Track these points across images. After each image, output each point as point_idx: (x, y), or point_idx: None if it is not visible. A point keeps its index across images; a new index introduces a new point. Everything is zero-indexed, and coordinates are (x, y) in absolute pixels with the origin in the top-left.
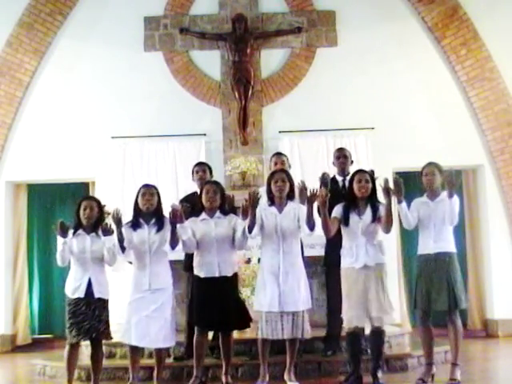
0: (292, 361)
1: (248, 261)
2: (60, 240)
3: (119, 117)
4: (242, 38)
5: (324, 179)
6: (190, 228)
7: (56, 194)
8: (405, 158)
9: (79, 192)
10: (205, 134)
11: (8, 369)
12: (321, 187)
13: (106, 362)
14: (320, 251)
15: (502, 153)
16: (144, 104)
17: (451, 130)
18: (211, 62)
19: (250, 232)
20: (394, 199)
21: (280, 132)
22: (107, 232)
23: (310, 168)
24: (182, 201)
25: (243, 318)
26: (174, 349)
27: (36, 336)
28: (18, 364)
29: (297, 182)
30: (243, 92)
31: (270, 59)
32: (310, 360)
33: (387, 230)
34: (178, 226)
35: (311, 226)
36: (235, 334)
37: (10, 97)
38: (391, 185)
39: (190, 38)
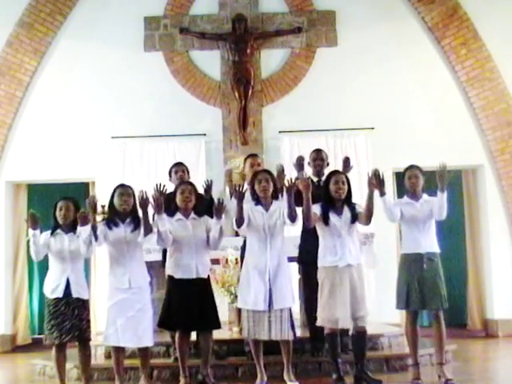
0: (289, 361)
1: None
2: (30, 232)
3: (119, 117)
4: (242, 37)
5: (299, 162)
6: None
7: (56, 193)
8: (405, 158)
9: (79, 192)
10: (205, 134)
11: (8, 369)
12: (297, 171)
13: (105, 362)
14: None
15: (502, 153)
16: (144, 104)
17: (451, 130)
18: (211, 62)
19: (239, 226)
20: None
21: (280, 132)
22: (84, 220)
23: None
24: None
25: (217, 319)
26: (173, 349)
27: (36, 336)
28: (18, 364)
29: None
30: (243, 92)
31: (270, 59)
32: (309, 360)
33: (367, 221)
34: (155, 216)
35: (293, 217)
36: (235, 334)
37: (10, 97)
38: (374, 179)
39: (190, 38)
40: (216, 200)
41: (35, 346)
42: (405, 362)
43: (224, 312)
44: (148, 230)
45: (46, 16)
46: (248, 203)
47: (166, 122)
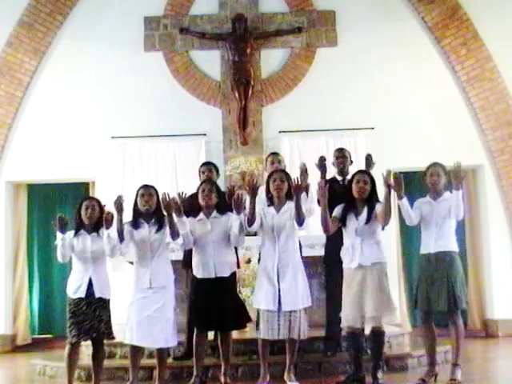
0: (292, 361)
1: (248, 261)
2: (59, 236)
3: (119, 117)
4: (242, 37)
5: (322, 163)
6: (189, 227)
7: (56, 193)
8: (405, 157)
9: (79, 192)
10: (205, 134)
11: (8, 369)
12: (321, 172)
13: (105, 362)
14: (320, 251)
15: (502, 153)
16: (144, 104)
17: (451, 130)
18: (211, 62)
19: (250, 225)
20: (393, 194)
21: (280, 132)
22: (109, 222)
23: (310, 168)
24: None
25: (240, 318)
26: (173, 349)
27: (36, 336)
28: (18, 364)
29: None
30: (243, 92)
31: (270, 59)
32: (309, 360)
33: (385, 222)
34: (176, 219)
35: (300, 221)
36: (235, 334)
37: (10, 97)
38: (391, 180)
39: (190, 38)
40: (235, 196)
41: (35, 345)
42: (405, 361)
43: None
44: (175, 234)
45: (46, 16)
46: (260, 204)
47: (166, 122)
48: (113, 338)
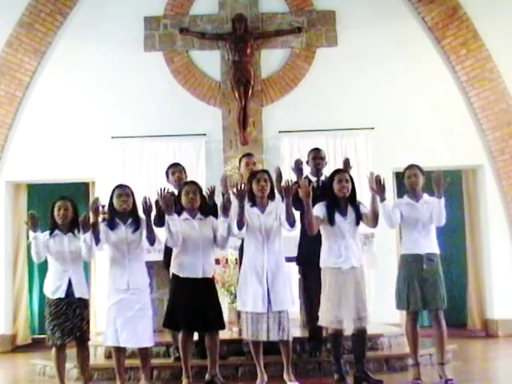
0: (288, 361)
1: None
2: (31, 234)
3: (119, 117)
4: (241, 38)
5: (297, 166)
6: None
7: (56, 194)
8: (405, 158)
9: (79, 192)
10: (205, 134)
11: (8, 369)
12: (297, 175)
13: (105, 362)
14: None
15: (502, 153)
16: (144, 104)
17: (451, 130)
18: (211, 61)
19: (240, 228)
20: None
21: (280, 132)
22: (85, 225)
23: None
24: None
25: (222, 320)
26: (173, 349)
27: (36, 336)
28: (18, 364)
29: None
30: (243, 92)
31: (270, 59)
32: (309, 360)
33: (374, 223)
34: (167, 217)
35: (291, 222)
36: (235, 334)
37: (10, 97)
38: (374, 183)
39: (190, 38)
40: (221, 199)
41: (35, 346)
42: (405, 362)
43: (224, 312)
44: (153, 239)
45: (46, 16)
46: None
47: (166, 121)
48: (89, 339)
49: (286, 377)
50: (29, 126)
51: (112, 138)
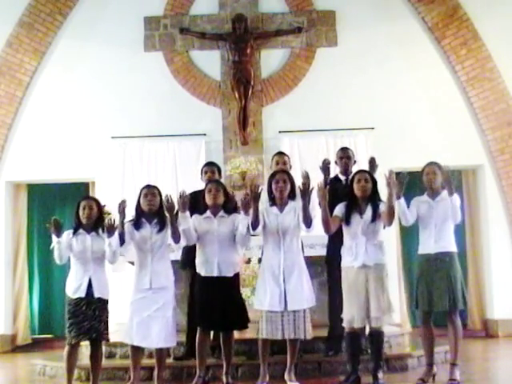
0: (293, 361)
1: (248, 261)
2: (54, 239)
3: (119, 117)
4: (242, 37)
5: (325, 165)
6: (193, 223)
7: (56, 193)
8: (405, 157)
9: (79, 192)
10: (205, 134)
11: (8, 369)
12: (324, 175)
13: (105, 362)
14: (320, 251)
15: (502, 153)
16: (144, 104)
17: (451, 130)
18: (211, 61)
19: (254, 229)
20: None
21: (280, 132)
22: (111, 229)
23: (310, 168)
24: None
25: (242, 319)
26: (173, 349)
27: (36, 336)
28: (18, 364)
29: (297, 181)
30: (243, 92)
31: (270, 59)
32: (309, 360)
33: (389, 222)
34: (179, 214)
35: (308, 223)
36: (235, 334)
37: (10, 97)
38: (393, 181)
39: (190, 38)
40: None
41: (35, 346)
42: (405, 362)
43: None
44: (177, 237)
45: (45, 16)
46: (263, 204)
47: (166, 122)
48: (108, 340)
49: (286, 376)
50: (29, 126)
51: (112, 138)
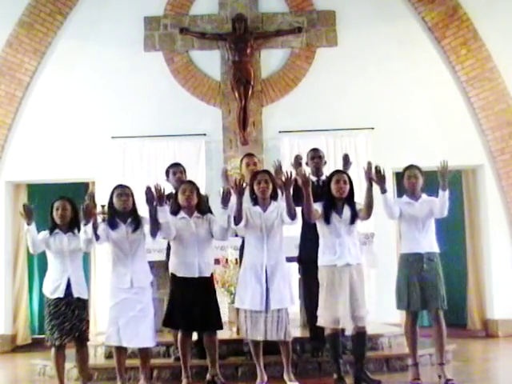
0: (288, 361)
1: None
2: (25, 227)
3: (119, 117)
4: (241, 38)
5: (297, 161)
6: (171, 219)
7: (56, 194)
8: (405, 157)
9: (79, 192)
10: (205, 134)
11: (8, 369)
12: (296, 169)
13: (105, 362)
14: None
15: (502, 153)
16: (144, 104)
17: (451, 130)
18: (211, 61)
19: (237, 224)
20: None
21: (280, 132)
22: (89, 214)
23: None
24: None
25: (219, 319)
26: (174, 349)
27: (36, 336)
28: (18, 364)
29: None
30: (243, 92)
31: (270, 59)
32: (309, 360)
33: (368, 214)
34: (158, 208)
35: (292, 214)
36: (235, 334)
37: (10, 97)
38: (373, 174)
39: (190, 38)
40: (221, 191)
41: (35, 346)
42: (405, 362)
43: (224, 312)
44: (156, 231)
45: (46, 16)
46: (246, 203)
47: (166, 122)
48: (88, 339)
49: (285, 377)
50: (29, 126)
51: (112, 138)
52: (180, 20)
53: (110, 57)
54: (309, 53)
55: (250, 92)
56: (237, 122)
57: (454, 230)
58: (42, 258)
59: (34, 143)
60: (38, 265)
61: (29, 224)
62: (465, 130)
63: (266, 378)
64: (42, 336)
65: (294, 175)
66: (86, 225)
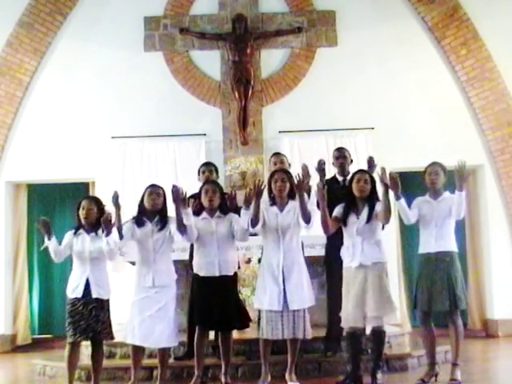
0: (293, 361)
1: (248, 261)
2: (46, 241)
3: (119, 117)
4: (242, 37)
5: (321, 167)
6: (194, 221)
7: (56, 193)
8: (405, 157)
9: (79, 192)
10: (205, 134)
11: (8, 369)
12: (320, 176)
13: (105, 362)
14: (320, 251)
15: (502, 153)
16: (144, 104)
17: (451, 130)
18: (211, 62)
19: (254, 226)
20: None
21: (280, 132)
22: (107, 225)
23: (310, 168)
24: (189, 198)
25: (243, 318)
26: (174, 348)
27: (36, 336)
28: (18, 364)
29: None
30: (243, 92)
31: (270, 59)
32: (309, 360)
33: (385, 220)
34: (182, 210)
35: (307, 218)
36: (235, 334)
37: (10, 97)
38: (387, 179)
39: (190, 38)
40: (245, 192)
41: (35, 346)
42: (405, 362)
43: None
44: (183, 228)
45: (45, 16)
46: (263, 203)
47: (166, 122)
48: (112, 338)
49: (287, 377)
50: (29, 126)
51: (112, 138)
52: (180, 20)
53: (110, 57)
54: (309, 53)
55: (249, 92)
56: (237, 122)
57: (454, 230)
58: (42, 258)
59: (34, 143)
60: (38, 265)
61: (49, 239)
62: (465, 130)
63: (269, 379)
64: (42, 336)
65: (306, 181)
66: (107, 236)
